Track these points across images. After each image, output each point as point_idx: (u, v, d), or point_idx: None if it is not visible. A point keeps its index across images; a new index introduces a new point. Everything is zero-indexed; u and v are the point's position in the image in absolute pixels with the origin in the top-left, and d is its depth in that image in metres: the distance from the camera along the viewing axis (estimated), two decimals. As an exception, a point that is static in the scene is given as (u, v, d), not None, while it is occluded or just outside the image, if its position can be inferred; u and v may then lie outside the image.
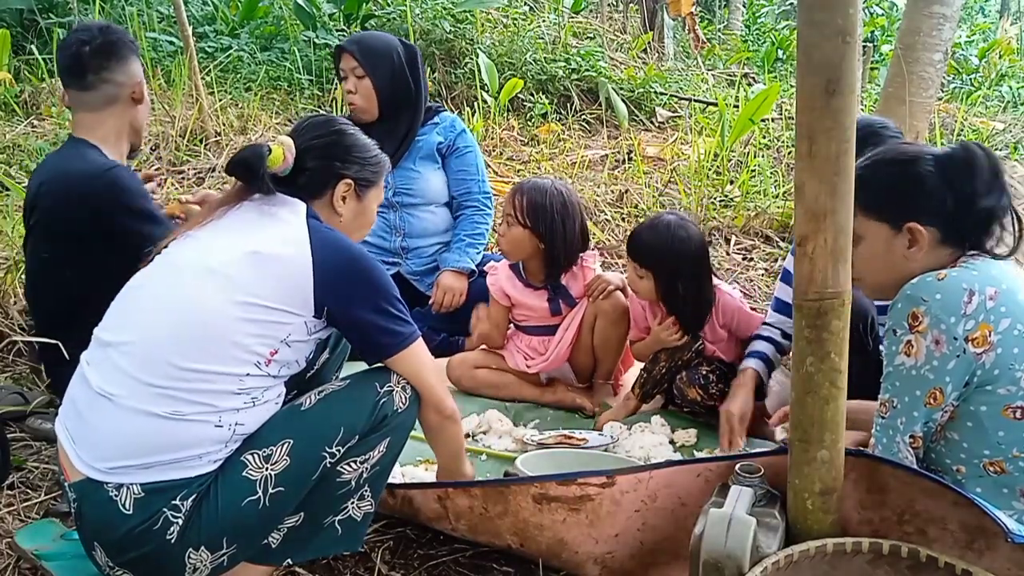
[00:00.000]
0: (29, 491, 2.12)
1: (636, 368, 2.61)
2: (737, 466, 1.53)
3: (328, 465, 1.58)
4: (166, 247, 1.67)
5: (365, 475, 1.65)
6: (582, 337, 2.55)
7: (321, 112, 1.78)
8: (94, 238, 2.12)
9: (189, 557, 1.51)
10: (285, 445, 1.54)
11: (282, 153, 1.66)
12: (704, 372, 2.35)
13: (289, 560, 1.68)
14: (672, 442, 2.29)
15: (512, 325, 2.67)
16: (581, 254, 2.55)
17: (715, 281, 2.46)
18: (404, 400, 1.67)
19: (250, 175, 1.63)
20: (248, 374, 1.54)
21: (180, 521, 1.49)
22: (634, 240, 2.39)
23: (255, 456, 1.53)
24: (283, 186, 1.69)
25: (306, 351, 1.65)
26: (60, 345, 2.03)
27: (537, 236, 2.47)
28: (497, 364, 2.65)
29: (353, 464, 1.62)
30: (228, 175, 1.69)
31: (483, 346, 2.73)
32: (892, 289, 1.64)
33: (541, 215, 2.45)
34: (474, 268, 2.95)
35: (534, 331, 2.63)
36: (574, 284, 2.57)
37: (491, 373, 2.63)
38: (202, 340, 1.51)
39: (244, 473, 1.52)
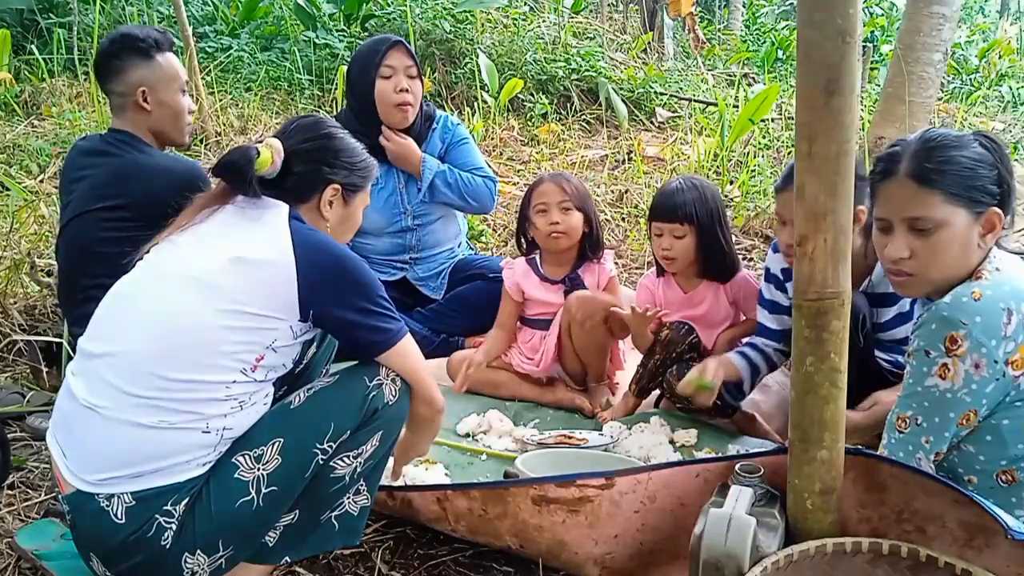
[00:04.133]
0: (29, 491, 2.12)
1: (629, 369, 2.61)
2: (737, 466, 1.53)
3: (321, 462, 1.58)
4: (148, 252, 1.66)
5: (359, 469, 1.64)
6: (563, 343, 2.56)
7: (315, 112, 1.74)
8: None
9: (186, 562, 1.51)
10: (276, 444, 1.54)
11: (270, 156, 1.64)
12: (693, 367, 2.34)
13: (288, 558, 1.68)
14: (672, 442, 2.28)
15: (519, 320, 2.69)
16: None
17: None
18: (394, 392, 1.66)
19: (238, 178, 1.62)
20: (234, 381, 1.53)
21: (174, 526, 1.49)
22: (666, 202, 2.40)
23: (246, 457, 1.53)
24: (270, 188, 1.67)
25: (292, 354, 1.65)
26: (64, 344, 2.06)
27: (586, 218, 2.56)
28: (498, 363, 2.65)
29: (346, 459, 1.61)
30: (216, 177, 1.67)
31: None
32: (944, 284, 1.57)
33: (586, 197, 2.57)
34: (427, 170, 2.88)
35: (539, 324, 2.63)
36: (589, 277, 2.61)
37: (491, 371, 2.63)
38: (187, 350, 1.50)
39: (236, 475, 1.52)
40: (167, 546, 1.49)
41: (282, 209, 1.65)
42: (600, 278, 2.61)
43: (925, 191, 1.50)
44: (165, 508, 1.48)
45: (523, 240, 2.69)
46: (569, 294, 2.57)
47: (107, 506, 1.48)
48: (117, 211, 2.29)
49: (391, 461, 2.03)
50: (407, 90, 2.80)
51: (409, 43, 2.93)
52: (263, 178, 1.65)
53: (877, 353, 2.16)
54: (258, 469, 1.53)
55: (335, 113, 3.97)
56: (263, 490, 1.53)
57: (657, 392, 2.51)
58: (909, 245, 1.53)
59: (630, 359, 2.69)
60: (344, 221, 1.79)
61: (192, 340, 1.51)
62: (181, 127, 2.41)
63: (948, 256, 1.52)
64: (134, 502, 1.48)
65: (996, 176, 1.51)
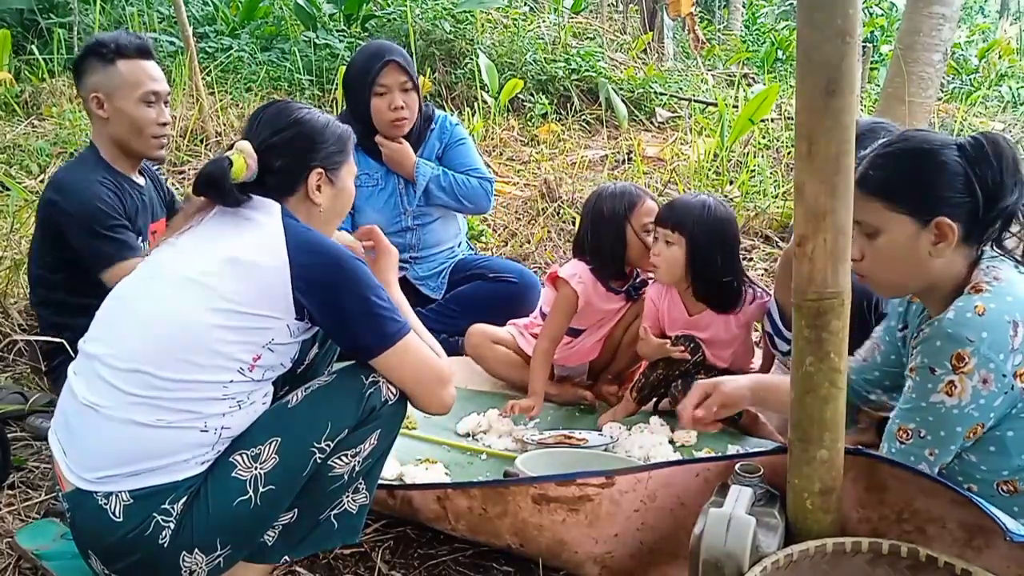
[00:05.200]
0: (29, 491, 2.12)
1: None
2: (736, 466, 1.53)
3: (318, 461, 1.57)
4: (148, 255, 1.66)
5: (358, 468, 1.63)
6: (615, 333, 2.55)
7: (274, 100, 1.69)
8: (66, 246, 2.25)
9: (184, 560, 1.51)
10: (273, 444, 1.53)
11: (244, 162, 1.61)
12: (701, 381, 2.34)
13: (287, 557, 1.67)
14: (672, 442, 2.29)
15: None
16: None
17: (752, 280, 2.47)
18: (393, 391, 1.65)
19: (217, 192, 1.60)
20: (232, 380, 1.53)
21: (171, 525, 1.48)
22: (669, 205, 2.37)
23: (244, 456, 1.53)
24: (254, 189, 1.64)
25: (291, 352, 1.64)
26: (66, 344, 2.07)
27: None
28: (516, 347, 2.66)
29: (344, 458, 1.61)
30: (195, 195, 1.64)
31: (511, 324, 2.74)
32: (905, 289, 1.59)
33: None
34: (421, 176, 2.90)
35: (573, 332, 2.60)
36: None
37: (508, 352, 2.63)
38: (182, 350, 1.50)
39: (233, 473, 1.52)
40: (165, 545, 1.49)
41: (275, 208, 1.64)
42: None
43: (867, 196, 1.51)
44: (163, 507, 1.48)
45: (615, 259, 2.48)
46: (627, 298, 2.56)
47: (105, 504, 1.48)
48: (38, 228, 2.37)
49: (398, 467, 2.04)
50: (402, 106, 2.82)
51: (408, 44, 2.94)
52: (246, 182, 1.63)
53: None
54: (255, 468, 1.52)
55: (337, 113, 3.97)
56: (260, 489, 1.52)
57: (656, 398, 2.52)
58: (861, 247, 1.55)
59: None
60: (336, 200, 1.76)
61: (186, 340, 1.50)
62: (145, 139, 2.31)
63: (892, 262, 1.53)
64: (132, 500, 1.48)
65: (962, 185, 1.48)
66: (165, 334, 1.51)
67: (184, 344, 1.50)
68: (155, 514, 1.48)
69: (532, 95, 6.33)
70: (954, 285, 1.52)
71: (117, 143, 2.32)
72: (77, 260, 2.24)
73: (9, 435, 2.28)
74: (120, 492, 1.48)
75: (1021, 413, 1.46)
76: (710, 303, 2.40)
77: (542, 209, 4.31)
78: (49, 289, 2.35)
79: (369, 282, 1.62)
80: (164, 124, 2.34)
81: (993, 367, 1.41)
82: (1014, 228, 1.52)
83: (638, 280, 2.57)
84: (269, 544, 1.63)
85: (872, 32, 9.85)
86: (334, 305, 1.59)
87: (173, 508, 1.49)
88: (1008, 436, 1.47)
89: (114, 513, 1.47)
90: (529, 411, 2.42)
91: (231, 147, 1.66)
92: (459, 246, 3.17)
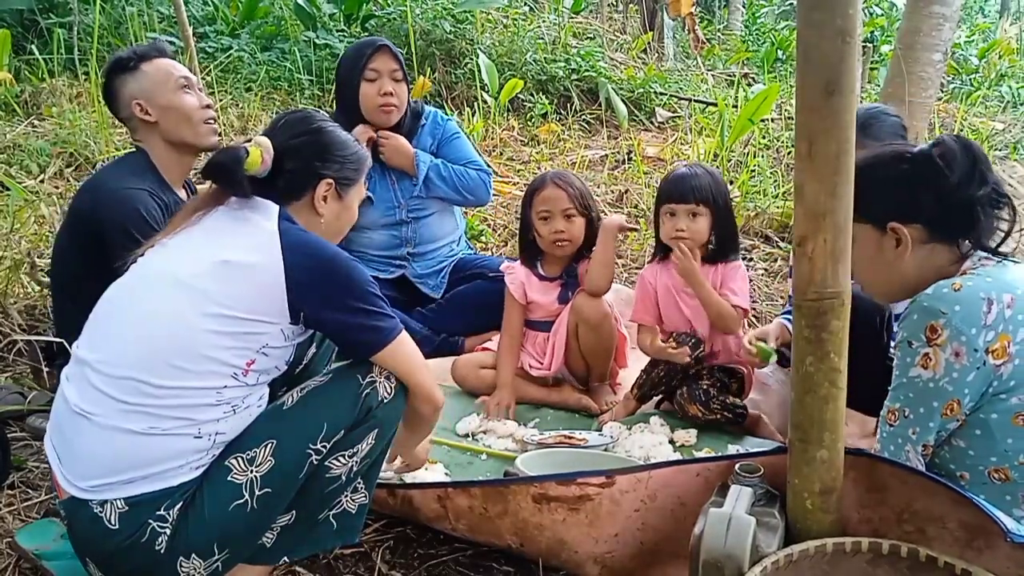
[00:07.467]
0: (29, 491, 2.12)
1: (632, 367, 2.62)
2: (737, 466, 1.53)
3: (315, 462, 1.56)
4: (142, 255, 1.64)
5: (356, 468, 1.63)
6: (570, 343, 2.56)
7: (301, 107, 1.67)
8: (102, 253, 2.15)
9: (181, 566, 1.50)
10: (268, 446, 1.53)
11: (260, 155, 1.61)
12: (705, 387, 2.34)
13: (286, 558, 1.67)
14: (672, 442, 2.29)
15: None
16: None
17: None
18: (389, 390, 1.64)
19: (227, 179, 1.60)
20: (225, 386, 1.51)
21: (167, 531, 1.48)
22: (680, 184, 2.40)
23: (239, 459, 1.52)
24: (262, 188, 1.64)
25: (285, 355, 1.63)
26: (65, 343, 2.05)
27: (587, 220, 2.55)
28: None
29: (342, 459, 1.60)
30: (205, 179, 1.65)
31: (486, 345, 2.74)
32: (896, 292, 1.64)
33: (588, 197, 2.57)
34: (421, 163, 2.91)
35: (542, 326, 2.63)
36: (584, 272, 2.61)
37: (494, 373, 2.63)
38: (173, 356, 1.48)
39: (229, 477, 1.51)
40: (161, 550, 1.48)
41: (273, 210, 1.63)
42: None
43: None
44: (158, 513, 1.47)
45: (529, 245, 2.61)
46: (565, 289, 2.58)
47: (101, 512, 1.47)
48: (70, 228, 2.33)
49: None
50: (391, 93, 2.83)
51: (408, 44, 2.94)
52: (255, 177, 1.63)
53: None
54: (251, 471, 1.51)
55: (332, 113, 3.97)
56: (256, 492, 1.51)
57: (657, 396, 2.52)
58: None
59: (631, 356, 2.69)
60: (339, 216, 1.77)
61: (177, 345, 1.49)
62: (196, 126, 2.31)
63: (868, 268, 1.63)
64: (127, 508, 1.47)
65: (912, 191, 1.57)
66: (156, 338, 1.49)
67: (175, 349, 1.48)
68: (151, 521, 1.47)
69: (532, 95, 6.34)
70: (918, 287, 1.56)
71: (172, 142, 2.31)
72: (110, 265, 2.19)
73: (9, 435, 2.28)
74: (115, 500, 1.47)
75: (1000, 394, 1.48)
76: (720, 258, 2.45)
77: (542, 209, 4.30)
78: (75, 292, 2.27)
79: (363, 282, 1.62)
80: (207, 107, 2.35)
81: (965, 340, 1.44)
82: (990, 221, 1.57)
83: (570, 267, 2.61)
84: (268, 545, 1.63)
85: (872, 32, 9.84)
86: (330, 307, 1.58)
87: (169, 514, 1.48)
88: (992, 419, 1.49)
89: (109, 521, 1.46)
90: (503, 405, 2.50)
91: (249, 139, 1.66)
92: (458, 244, 3.16)
